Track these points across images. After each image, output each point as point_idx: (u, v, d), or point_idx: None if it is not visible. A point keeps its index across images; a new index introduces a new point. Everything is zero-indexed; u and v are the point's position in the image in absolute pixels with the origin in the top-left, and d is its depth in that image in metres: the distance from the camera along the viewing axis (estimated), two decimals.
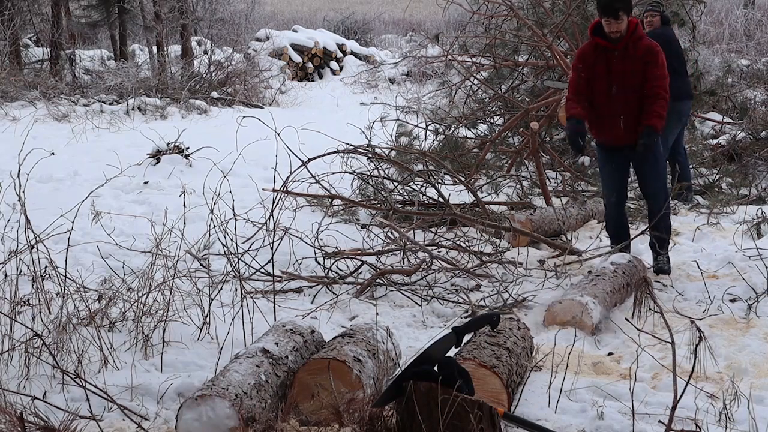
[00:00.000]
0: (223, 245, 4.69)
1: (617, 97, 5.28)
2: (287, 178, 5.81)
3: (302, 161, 5.95)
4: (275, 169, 4.92)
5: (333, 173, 6.47)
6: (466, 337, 3.52)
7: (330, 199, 6.49)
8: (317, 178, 6.25)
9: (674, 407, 3.04)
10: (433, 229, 6.32)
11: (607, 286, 4.76)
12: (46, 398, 3.36)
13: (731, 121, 9.66)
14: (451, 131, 8.98)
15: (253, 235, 5.80)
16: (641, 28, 5.36)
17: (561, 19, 8.69)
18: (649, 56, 5.24)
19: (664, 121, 5.30)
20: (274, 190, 5.21)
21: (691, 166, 8.06)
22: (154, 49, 18.16)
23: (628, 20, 5.21)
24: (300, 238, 5.71)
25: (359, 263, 5.61)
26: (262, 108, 15.25)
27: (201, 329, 4.20)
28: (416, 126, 8.92)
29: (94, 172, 7.85)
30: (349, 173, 6.85)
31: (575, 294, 4.55)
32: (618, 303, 4.87)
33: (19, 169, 3.94)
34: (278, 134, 5.06)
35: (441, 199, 6.36)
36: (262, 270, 5.33)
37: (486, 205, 6.64)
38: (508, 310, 4.78)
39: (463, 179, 6.99)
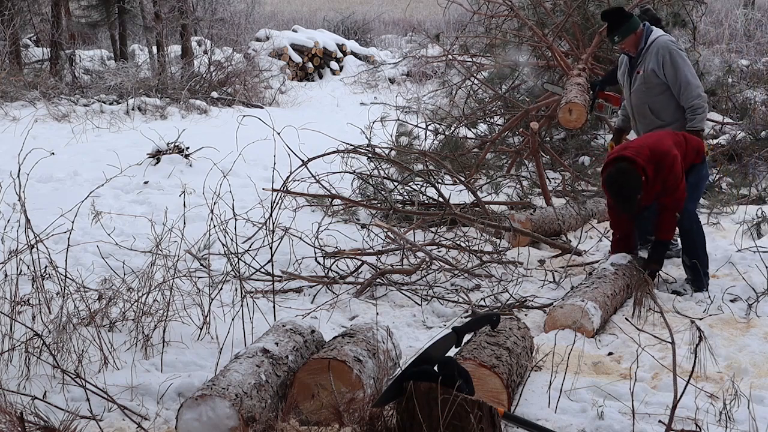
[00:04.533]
0: (223, 245, 4.69)
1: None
2: (287, 177, 5.81)
3: (302, 161, 5.95)
4: (274, 169, 4.92)
5: (333, 173, 6.47)
6: (466, 337, 3.52)
7: (330, 199, 6.49)
8: (317, 177, 6.25)
9: (674, 407, 3.04)
10: (433, 229, 6.32)
11: (608, 290, 4.75)
12: (46, 398, 3.36)
13: (731, 121, 9.65)
14: (451, 131, 8.98)
15: (253, 235, 5.80)
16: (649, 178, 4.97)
17: (561, 20, 8.69)
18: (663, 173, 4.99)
19: (672, 234, 5.25)
20: (273, 190, 5.21)
21: None
22: (154, 49, 18.14)
23: (642, 196, 4.93)
24: (300, 238, 5.71)
25: (359, 263, 5.61)
26: (262, 108, 15.24)
27: (201, 329, 4.20)
28: (416, 126, 8.93)
29: (94, 172, 7.86)
30: (349, 173, 6.85)
31: (576, 298, 4.54)
32: (618, 307, 4.86)
33: (19, 169, 3.94)
34: (278, 134, 5.06)
35: (441, 199, 6.36)
36: (262, 270, 5.33)
37: (486, 205, 6.64)
38: (508, 311, 4.78)
39: (463, 179, 6.99)
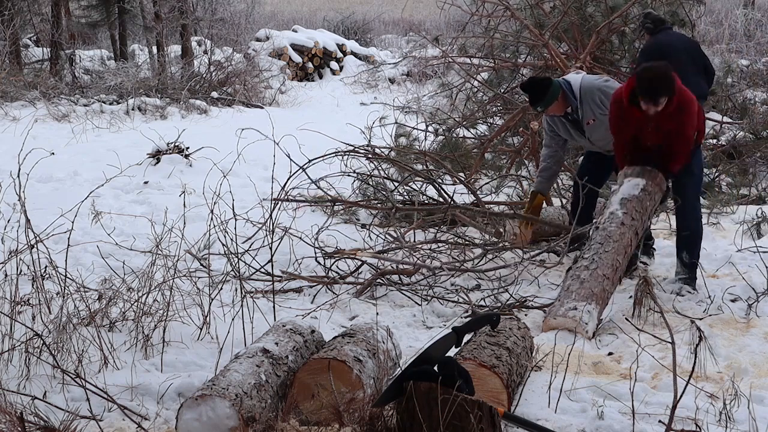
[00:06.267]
0: (223, 245, 4.69)
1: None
2: (285, 183, 5.80)
3: (300, 166, 5.93)
4: (273, 176, 4.91)
5: (333, 174, 6.47)
6: (466, 337, 3.52)
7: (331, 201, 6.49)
8: (317, 182, 6.25)
9: (674, 407, 3.04)
10: (433, 230, 6.32)
11: (607, 269, 4.62)
12: (46, 398, 3.36)
13: (731, 120, 9.65)
14: (450, 132, 8.98)
15: (253, 235, 5.80)
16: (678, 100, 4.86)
17: (557, 20, 8.68)
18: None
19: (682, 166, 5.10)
20: (273, 199, 5.20)
21: None
22: (154, 49, 18.14)
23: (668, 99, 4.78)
24: (300, 238, 5.71)
25: (359, 263, 5.61)
26: (262, 108, 15.24)
27: (201, 329, 4.20)
28: (414, 128, 8.92)
29: (94, 172, 7.86)
30: (349, 174, 6.84)
31: (570, 302, 4.46)
32: (622, 277, 4.75)
33: (19, 169, 3.94)
34: (277, 143, 5.01)
35: (441, 199, 6.36)
36: (262, 270, 5.33)
37: (486, 205, 6.64)
38: (508, 311, 4.78)
39: (462, 179, 6.99)
